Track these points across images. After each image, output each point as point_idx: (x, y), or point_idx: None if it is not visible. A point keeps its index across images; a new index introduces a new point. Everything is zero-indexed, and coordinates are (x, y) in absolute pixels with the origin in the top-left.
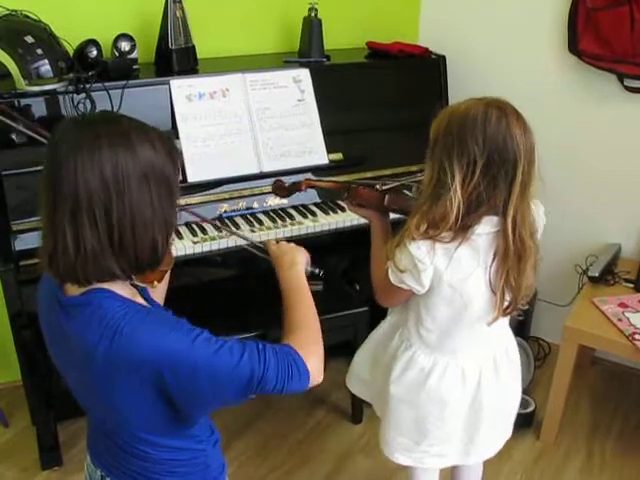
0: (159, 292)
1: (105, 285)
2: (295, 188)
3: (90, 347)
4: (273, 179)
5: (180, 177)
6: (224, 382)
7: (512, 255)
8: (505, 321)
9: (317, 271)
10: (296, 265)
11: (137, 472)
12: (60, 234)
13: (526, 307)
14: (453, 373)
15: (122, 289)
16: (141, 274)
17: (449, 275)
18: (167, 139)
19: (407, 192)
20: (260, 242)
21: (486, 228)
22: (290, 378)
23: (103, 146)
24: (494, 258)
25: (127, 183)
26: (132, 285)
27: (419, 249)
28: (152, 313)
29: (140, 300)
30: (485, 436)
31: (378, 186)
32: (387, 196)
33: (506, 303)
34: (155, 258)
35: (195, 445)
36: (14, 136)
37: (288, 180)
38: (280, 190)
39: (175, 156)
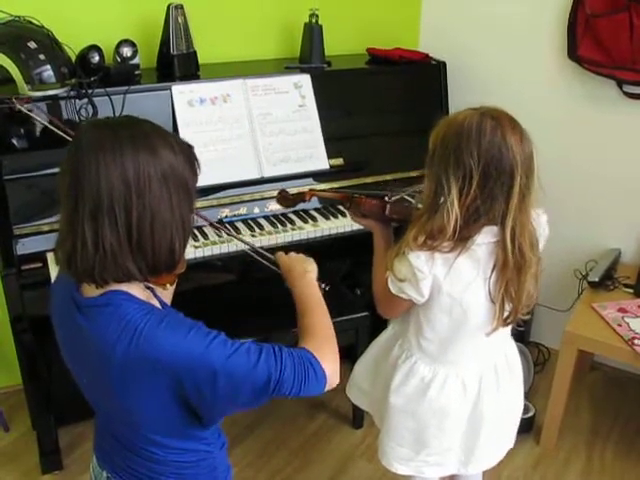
0: (168, 294)
1: (122, 287)
2: (299, 198)
3: (108, 348)
4: (274, 184)
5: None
6: (241, 384)
7: (511, 266)
8: (506, 330)
9: (323, 286)
10: (308, 273)
11: (144, 473)
12: (80, 233)
13: (527, 317)
14: (453, 383)
15: (138, 291)
16: (157, 276)
17: (448, 285)
18: (187, 146)
19: (410, 199)
20: (270, 254)
21: (486, 238)
22: (307, 381)
23: (126, 147)
24: (493, 269)
25: (148, 184)
26: (146, 287)
27: (418, 258)
28: (169, 316)
29: (155, 302)
30: (485, 446)
31: (387, 197)
32: (388, 206)
33: (506, 313)
34: (172, 260)
35: (203, 447)
36: (16, 141)
37: (290, 187)
38: (284, 200)
39: (194, 161)
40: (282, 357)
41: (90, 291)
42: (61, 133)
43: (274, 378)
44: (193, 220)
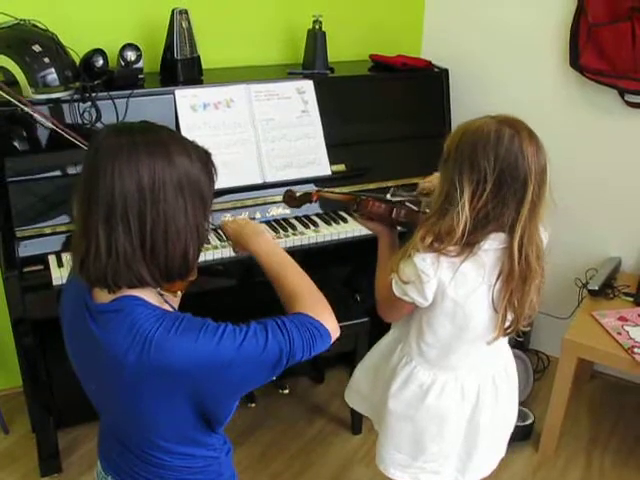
0: (175, 300)
1: (135, 292)
2: (306, 199)
3: (120, 354)
4: (276, 189)
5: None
6: (255, 367)
7: (517, 276)
8: (505, 339)
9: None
10: (261, 233)
11: (150, 479)
12: (93, 238)
13: (528, 328)
14: (452, 390)
15: (151, 297)
16: (171, 282)
17: (452, 289)
18: (204, 152)
19: (412, 205)
20: (217, 225)
21: (493, 244)
22: (314, 343)
23: (141, 153)
24: (499, 276)
25: (163, 191)
26: (157, 294)
27: (424, 261)
28: (179, 320)
29: (167, 308)
30: (482, 454)
31: (389, 195)
32: (395, 209)
33: (507, 323)
34: (185, 267)
35: (210, 453)
36: (19, 143)
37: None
38: (291, 200)
39: (210, 169)
40: (287, 329)
41: (102, 296)
42: (68, 137)
43: (285, 351)
44: (209, 226)
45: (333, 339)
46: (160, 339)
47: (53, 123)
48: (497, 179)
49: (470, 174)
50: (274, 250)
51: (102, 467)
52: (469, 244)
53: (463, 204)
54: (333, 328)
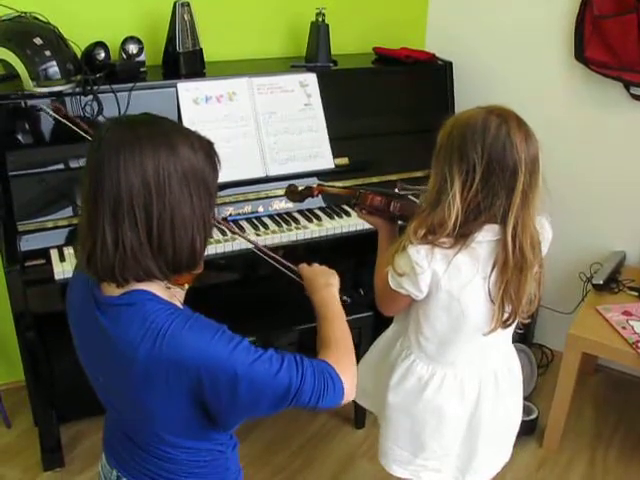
0: (181, 295)
1: (144, 286)
2: (308, 193)
3: (130, 348)
4: (279, 183)
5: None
6: (262, 391)
7: (512, 266)
8: (508, 336)
9: (344, 298)
10: (330, 286)
11: (156, 472)
12: (100, 232)
13: (527, 321)
14: (451, 385)
15: (160, 290)
16: (178, 275)
17: (447, 281)
18: (207, 142)
19: (414, 199)
20: (293, 265)
21: (487, 235)
22: (325, 393)
23: (145, 146)
24: (493, 267)
25: (168, 183)
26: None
27: (418, 253)
28: (194, 317)
29: (176, 302)
30: (483, 454)
31: (397, 189)
32: (393, 203)
33: (506, 315)
34: (193, 259)
35: (216, 447)
36: (21, 137)
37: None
38: (293, 195)
39: (214, 159)
40: (303, 367)
41: (111, 290)
42: (75, 128)
43: (294, 387)
44: (214, 217)
45: (346, 399)
46: (174, 332)
47: (56, 110)
48: (486, 168)
49: (459, 164)
50: (332, 303)
51: (107, 461)
52: (462, 236)
53: (454, 195)
54: (349, 389)
